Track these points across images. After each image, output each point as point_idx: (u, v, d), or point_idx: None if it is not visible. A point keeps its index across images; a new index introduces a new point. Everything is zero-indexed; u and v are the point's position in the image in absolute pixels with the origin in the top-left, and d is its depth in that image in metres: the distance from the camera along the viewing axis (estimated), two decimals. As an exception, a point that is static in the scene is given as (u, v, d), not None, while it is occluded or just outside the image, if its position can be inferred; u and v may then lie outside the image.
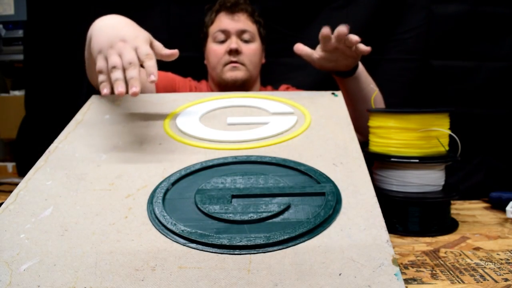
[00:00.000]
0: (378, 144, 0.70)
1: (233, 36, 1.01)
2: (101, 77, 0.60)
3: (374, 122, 0.71)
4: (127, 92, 0.58)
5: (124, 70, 0.59)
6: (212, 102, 0.73)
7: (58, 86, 1.31)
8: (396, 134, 0.67)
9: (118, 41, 0.61)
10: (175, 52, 0.66)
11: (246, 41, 1.02)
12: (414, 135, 0.66)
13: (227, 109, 0.72)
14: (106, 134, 0.65)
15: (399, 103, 1.21)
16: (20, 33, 1.69)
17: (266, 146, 0.60)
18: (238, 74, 1.00)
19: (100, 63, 0.62)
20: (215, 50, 1.02)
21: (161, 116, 0.69)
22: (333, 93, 0.75)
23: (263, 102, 0.73)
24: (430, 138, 0.66)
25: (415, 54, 1.21)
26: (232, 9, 1.02)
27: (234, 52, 0.99)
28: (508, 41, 1.18)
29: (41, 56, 1.31)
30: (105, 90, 0.59)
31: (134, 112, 0.71)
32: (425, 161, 0.66)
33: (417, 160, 0.66)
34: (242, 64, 1.00)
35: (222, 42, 1.02)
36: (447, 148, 0.68)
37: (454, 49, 1.19)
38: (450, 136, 0.69)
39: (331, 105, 0.71)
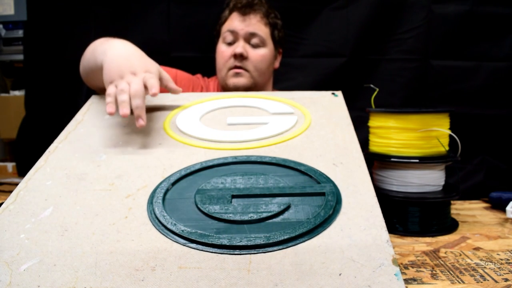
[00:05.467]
0: (378, 144, 0.70)
1: (240, 40, 0.97)
2: (108, 99, 0.63)
3: (374, 122, 0.71)
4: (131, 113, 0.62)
5: (130, 96, 0.62)
6: (212, 102, 0.73)
7: (58, 86, 1.31)
8: (396, 134, 0.67)
9: (129, 73, 0.65)
10: (179, 90, 0.72)
11: (255, 46, 0.98)
12: (414, 135, 0.66)
13: (227, 109, 0.72)
14: (106, 134, 0.65)
15: (399, 103, 1.21)
16: (20, 33, 1.69)
17: (266, 146, 0.60)
18: (240, 80, 0.97)
19: (110, 89, 0.64)
20: (222, 52, 0.99)
21: (161, 116, 0.69)
22: (333, 93, 0.75)
23: (263, 102, 0.73)
24: (430, 138, 0.66)
25: (415, 54, 1.21)
26: (243, 10, 0.97)
27: (239, 57, 0.95)
28: (508, 41, 1.18)
29: (41, 56, 1.31)
30: (110, 109, 0.61)
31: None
32: (425, 161, 0.66)
33: (417, 160, 0.66)
34: (246, 70, 0.97)
35: (230, 44, 0.98)
36: (447, 148, 0.68)
37: (454, 49, 1.20)
38: (450, 136, 0.69)
39: (331, 105, 0.71)
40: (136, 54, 0.69)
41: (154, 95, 0.63)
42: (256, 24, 0.97)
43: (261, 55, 0.98)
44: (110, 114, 0.61)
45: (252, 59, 0.97)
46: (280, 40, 1.04)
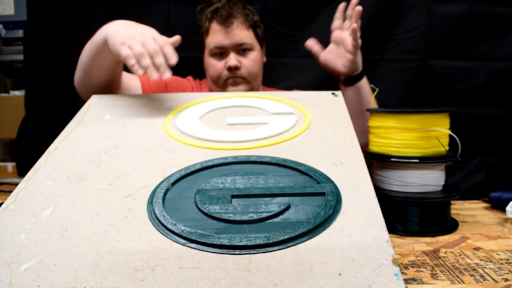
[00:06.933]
0: (378, 144, 0.70)
1: (231, 53, 0.97)
2: (132, 61, 0.66)
3: (374, 122, 0.71)
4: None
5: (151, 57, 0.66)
6: (212, 102, 0.73)
7: (58, 86, 1.31)
8: (396, 134, 0.67)
9: (138, 33, 0.70)
10: (178, 38, 0.75)
11: (245, 52, 0.99)
12: (414, 135, 0.66)
13: (227, 109, 0.72)
14: (106, 134, 0.65)
15: (399, 103, 1.21)
16: (20, 33, 1.68)
17: (266, 146, 0.60)
18: (239, 88, 0.99)
19: (126, 51, 0.67)
20: (214, 65, 0.99)
21: (161, 116, 0.69)
22: (333, 93, 0.75)
23: (263, 102, 0.73)
24: (430, 138, 0.66)
25: (415, 54, 1.21)
26: (225, 22, 0.97)
27: (234, 68, 0.97)
28: (508, 41, 1.18)
29: (41, 56, 1.31)
30: (139, 71, 0.66)
31: (134, 112, 0.71)
32: (425, 161, 0.66)
33: (417, 160, 0.66)
34: (242, 77, 0.98)
35: (220, 55, 0.99)
36: (447, 148, 0.68)
37: (454, 49, 1.19)
38: (450, 136, 0.69)
39: (331, 105, 0.71)
40: (135, 22, 0.74)
41: (173, 64, 0.67)
42: (240, 33, 0.97)
43: (252, 60, 0.99)
44: (141, 76, 0.68)
45: (246, 66, 0.98)
46: (263, 35, 1.05)
